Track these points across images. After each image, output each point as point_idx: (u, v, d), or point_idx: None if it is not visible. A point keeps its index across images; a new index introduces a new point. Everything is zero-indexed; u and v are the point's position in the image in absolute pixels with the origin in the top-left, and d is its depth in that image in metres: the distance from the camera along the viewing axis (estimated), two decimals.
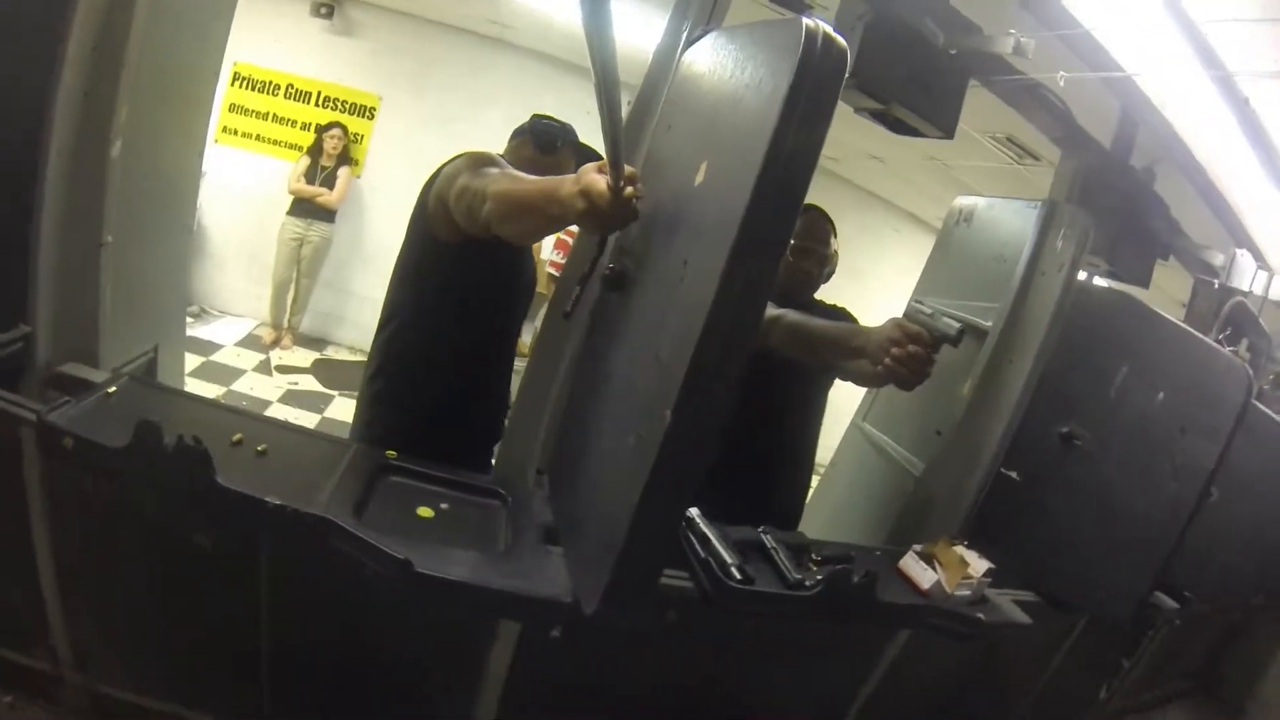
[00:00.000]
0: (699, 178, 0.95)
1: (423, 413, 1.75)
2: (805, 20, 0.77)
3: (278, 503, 1.25)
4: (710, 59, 1.15)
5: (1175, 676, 3.31)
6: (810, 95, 0.76)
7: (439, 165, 1.66)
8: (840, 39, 0.77)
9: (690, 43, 1.45)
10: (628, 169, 1.13)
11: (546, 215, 1.24)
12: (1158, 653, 2.72)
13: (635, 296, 1.20)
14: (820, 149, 0.78)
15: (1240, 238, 2.93)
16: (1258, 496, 2.45)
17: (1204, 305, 2.95)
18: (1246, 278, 2.73)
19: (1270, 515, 2.55)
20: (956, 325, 1.63)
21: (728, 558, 1.49)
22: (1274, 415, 2.37)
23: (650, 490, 0.83)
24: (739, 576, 1.45)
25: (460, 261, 1.65)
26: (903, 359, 1.55)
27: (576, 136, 1.82)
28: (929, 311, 1.71)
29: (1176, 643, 2.80)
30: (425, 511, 1.44)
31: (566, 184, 1.18)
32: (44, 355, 1.50)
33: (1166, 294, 3.51)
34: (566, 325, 1.58)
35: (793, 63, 0.75)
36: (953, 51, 1.86)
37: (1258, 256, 2.81)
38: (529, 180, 1.35)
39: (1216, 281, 2.83)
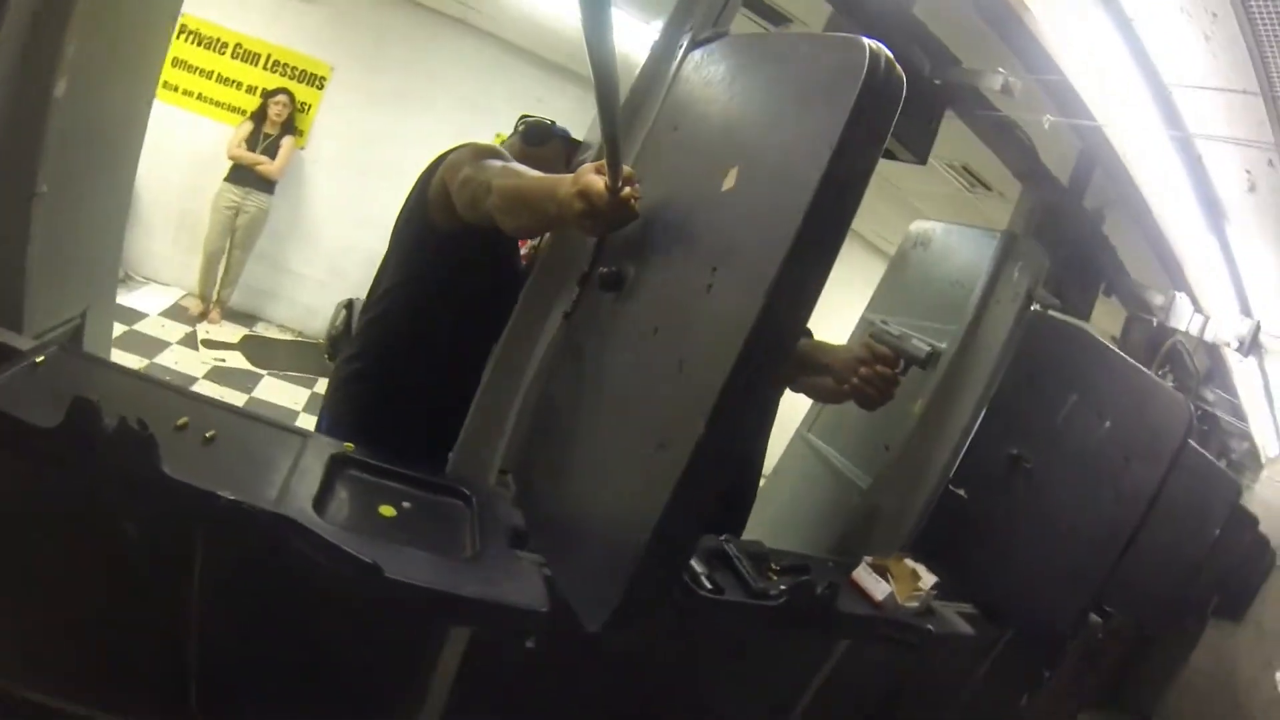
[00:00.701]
0: (728, 183, 0.93)
1: (403, 397, 1.71)
2: (868, 43, 0.76)
3: (231, 498, 1.15)
4: (732, 64, 1.13)
5: (1090, 687, 3.50)
6: (870, 120, 0.75)
7: (441, 152, 1.67)
8: (899, 66, 0.76)
9: (695, 45, 1.42)
10: (625, 169, 1.11)
11: (545, 213, 1.23)
12: (1076, 664, 2.87)
13: (635, 299, 1.16)
14: (873, 170, 0.77)
15: (1179, 282, 3.12)
16: (1178, 524, 2.60)
17: (1137, 340, 3.13)
18: (1184, 319, 2.91)
19: (1188, 542, 2.72)
20: (925, 348, 1.65)
21: (697, 567, 1.48)
22: (1201, 450, 2.53)
23: (675, 502, 0.79)
24: (709, 586, 1.44)
25: (456, 250, 1.64)
26: (870, 379, 1.57)
27: (567, 132, 1.84)
28: (897, 333, 1.72)
29: (1093, 655, 2.95)
30: (388, 510, 1.37)
31: (565, 184, 1.16)
32: None
33: (1098, 327, 3.70)
34: (547, 324, 1.53)
35: (855, 85, 0.74)
36: (937, 81, 1.89)
37: (1194, 301, 2.99)
38: (532, 176, 1.34)
39: (1155, 320, 3.00)
